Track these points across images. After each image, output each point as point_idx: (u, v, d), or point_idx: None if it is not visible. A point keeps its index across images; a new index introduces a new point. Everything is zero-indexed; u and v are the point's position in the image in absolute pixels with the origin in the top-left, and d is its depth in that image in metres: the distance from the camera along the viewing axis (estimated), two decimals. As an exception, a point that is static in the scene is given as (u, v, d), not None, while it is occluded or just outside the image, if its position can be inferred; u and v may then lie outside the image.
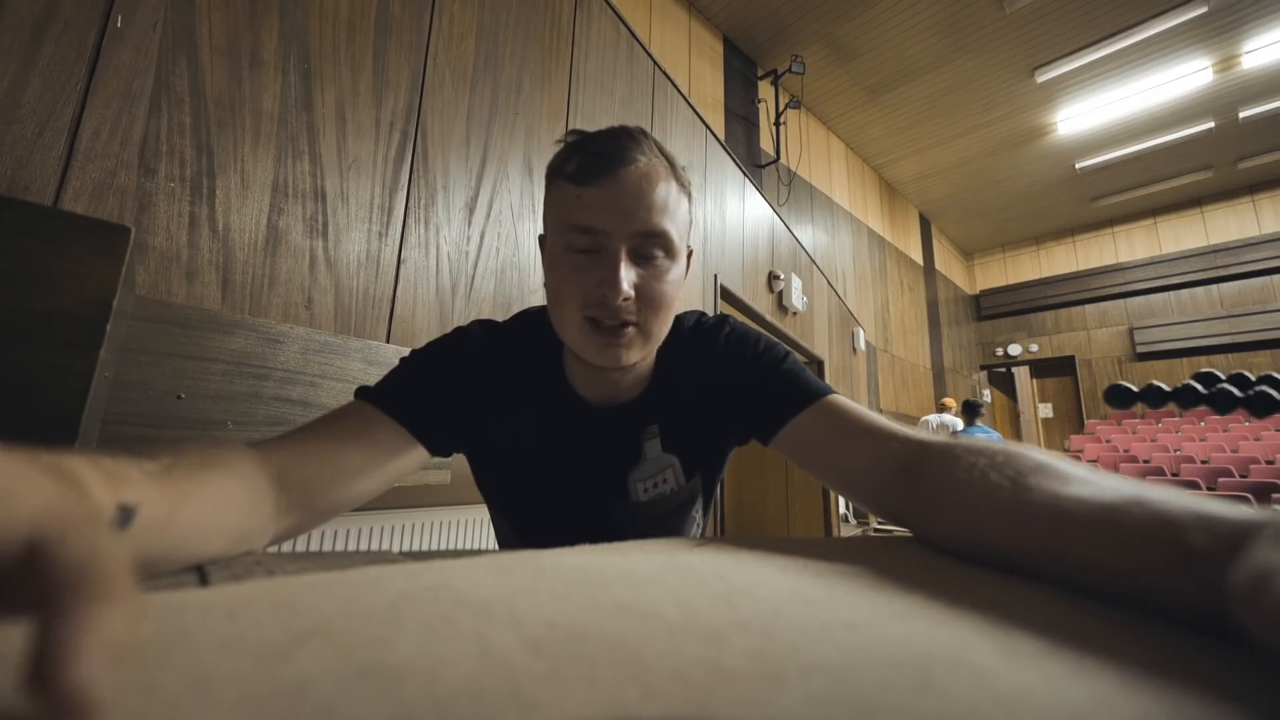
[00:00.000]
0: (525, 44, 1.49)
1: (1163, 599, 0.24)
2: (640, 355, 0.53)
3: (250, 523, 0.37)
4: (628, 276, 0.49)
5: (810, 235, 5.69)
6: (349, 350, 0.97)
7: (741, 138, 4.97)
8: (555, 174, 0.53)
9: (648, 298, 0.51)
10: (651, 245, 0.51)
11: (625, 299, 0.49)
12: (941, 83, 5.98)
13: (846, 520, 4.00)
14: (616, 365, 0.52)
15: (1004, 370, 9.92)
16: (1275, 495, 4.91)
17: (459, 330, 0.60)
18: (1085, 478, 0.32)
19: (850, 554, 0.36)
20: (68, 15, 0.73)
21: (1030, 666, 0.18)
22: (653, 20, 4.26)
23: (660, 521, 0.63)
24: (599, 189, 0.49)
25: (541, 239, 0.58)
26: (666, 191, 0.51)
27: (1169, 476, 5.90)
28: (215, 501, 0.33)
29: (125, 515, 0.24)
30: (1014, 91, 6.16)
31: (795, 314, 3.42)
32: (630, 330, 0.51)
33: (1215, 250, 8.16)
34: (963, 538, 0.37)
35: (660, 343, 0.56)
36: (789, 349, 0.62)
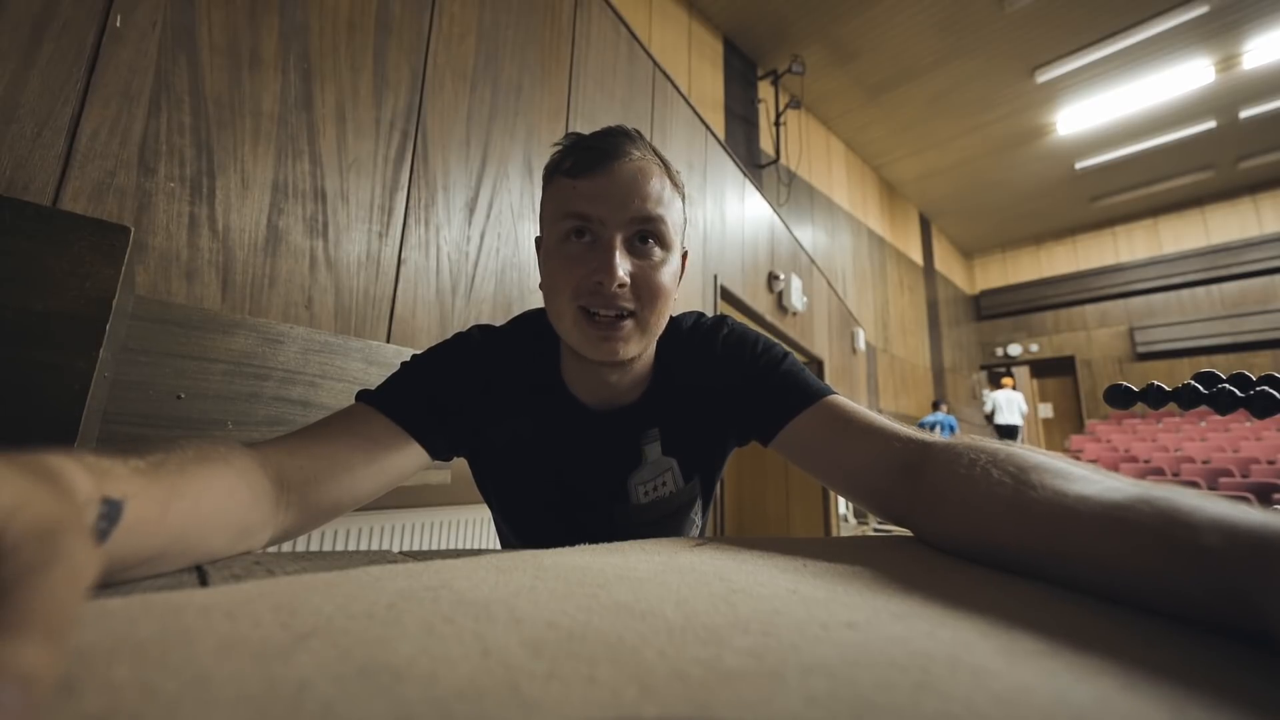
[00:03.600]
0: (525, 44, 1.49)
1: (1170, 598, 0.24)
2: (638, 349, 0.53)
3: (249, 519, 0.36)
4: (623, 264, 0.49)
5: (810, 235, 5.69)
6: (349, 350, 0.97)
7: (741, 138, 4.97)
8: (552, 173, 0.54)
9: (643, 288, 0.51)
10: (646, 234, 0.51)
11: (620, 285, 0.49)
12: (941, 83, 5.98)
13: (846, 520, 4.01)
14: (614, 359, 0.52)
15: (1004, 370, 9.92)
16: (1276, 495, 4.91)
17: (458, 336, 0.60)
18: (1088, 476, 0.32)
19: (850, 554, 0.36)
20: (67, 14, 0.73)
21: (1031, 666, 0.18)
22: (652, 20, 4.26)
23: (659, 524, 0.63)
24: (593, 180, 0.50)
25: (538, 241, 0.58)
26: (660, 186, 0.52)
27: (1169, 476, 5.90)
28: (211, 497, 0.32)
29: (111, 509, 0.24)
30: (1014, 91, 6.16)
31: (795, 314, 3.42)
32: (628, 323, 0.51)
33: (1216, 250, 8.16)
34: (965, 536, 0.37)
35: (656, 338, 0.56)
36: (788, 349, 0.62)
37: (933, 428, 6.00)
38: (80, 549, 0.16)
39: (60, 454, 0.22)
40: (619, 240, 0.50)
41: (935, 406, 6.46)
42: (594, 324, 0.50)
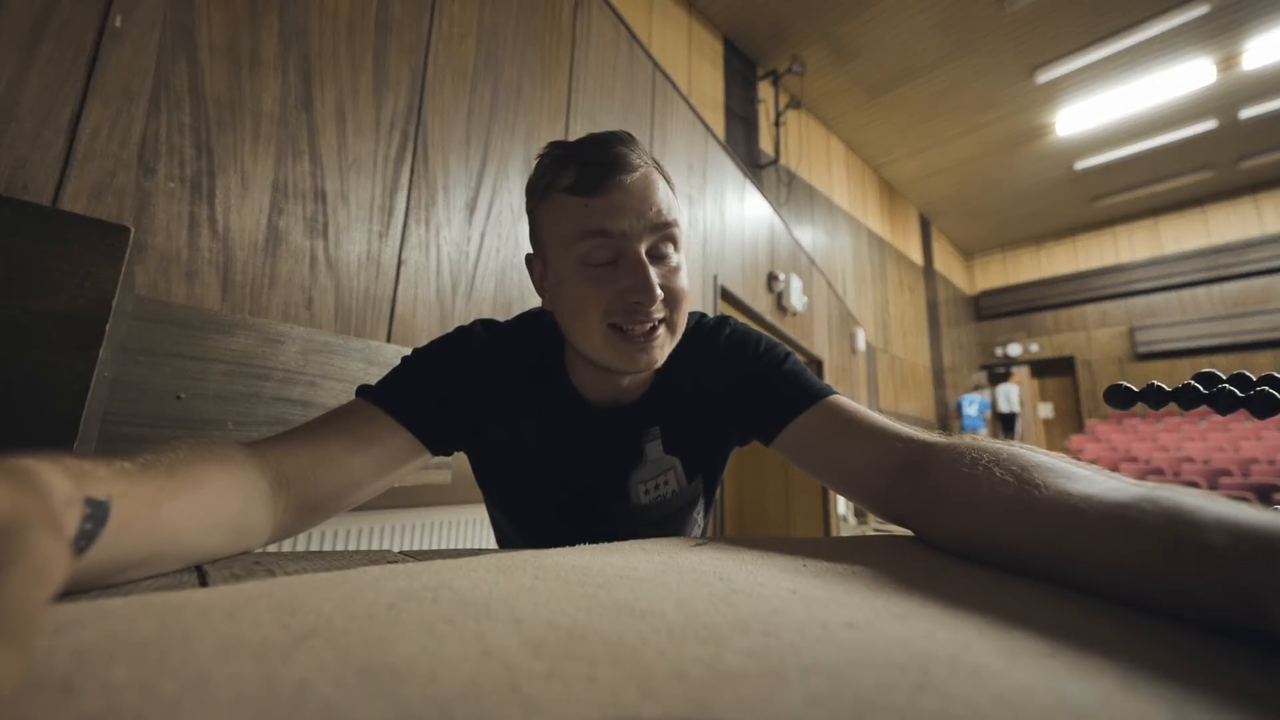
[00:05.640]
0: (525, 44, 1.49)
1: (1173, 597, 0.24)
2: (666, 353, 0.54)
3: (247, 517, 0.36)
4: (655, 279, 0.50)
5: (810, 235, 5.69)
6: (349, 350, 0.97)
7: (741, 138, 4.97)
8: (549, 189, 0.52)
9: (670, 295, 0.52)
10: (665, 241, 0.52)
11: (657, 300, 0.50)
12: (941, 83, 5.98)
13: (846, 520, 4.01)
14: (651, 368, 0.53)
15: (1004, 370, 9.92)
16: (1276, 495, 4.91)
17: (460, 329, 0.59)
18: (1091, 476, 0.32)
19: (850, 554, 0.36)
20: (67, 14, 0.73)
21: (1031, 666, 0.18)
22: (653, 20, 4.26)
23: (661, 524, 0.63)
24: (607, 197, 0.49)
25: (529, 258, 0.57)
26: (666, 191, 0.53)
27: (1170, 476, 5.90)
28: (205, 497, 0.32)
29: (97, 510, 0.23)
30: (1014, 91, 6.16)
31: (795, 314, 3.42)
32: (660, 331, 0.52)
33: (1216, 250, 8.15)
34: (967, 536, 0.37)
35: (680, 336, 0.56)
36: (789, 350, 0.62)
37: (970, 404, 7.47)
38: (44, 546, 0.15)
39: (38, 457, 0.22)
40: (644, 253, 0.50)
41: (975, 389, 8.05)
42: (627, 339, 0.51)
